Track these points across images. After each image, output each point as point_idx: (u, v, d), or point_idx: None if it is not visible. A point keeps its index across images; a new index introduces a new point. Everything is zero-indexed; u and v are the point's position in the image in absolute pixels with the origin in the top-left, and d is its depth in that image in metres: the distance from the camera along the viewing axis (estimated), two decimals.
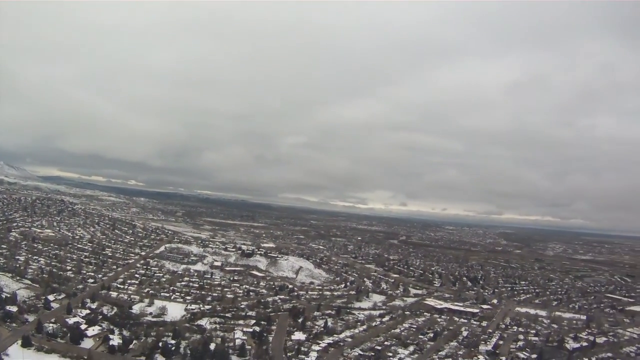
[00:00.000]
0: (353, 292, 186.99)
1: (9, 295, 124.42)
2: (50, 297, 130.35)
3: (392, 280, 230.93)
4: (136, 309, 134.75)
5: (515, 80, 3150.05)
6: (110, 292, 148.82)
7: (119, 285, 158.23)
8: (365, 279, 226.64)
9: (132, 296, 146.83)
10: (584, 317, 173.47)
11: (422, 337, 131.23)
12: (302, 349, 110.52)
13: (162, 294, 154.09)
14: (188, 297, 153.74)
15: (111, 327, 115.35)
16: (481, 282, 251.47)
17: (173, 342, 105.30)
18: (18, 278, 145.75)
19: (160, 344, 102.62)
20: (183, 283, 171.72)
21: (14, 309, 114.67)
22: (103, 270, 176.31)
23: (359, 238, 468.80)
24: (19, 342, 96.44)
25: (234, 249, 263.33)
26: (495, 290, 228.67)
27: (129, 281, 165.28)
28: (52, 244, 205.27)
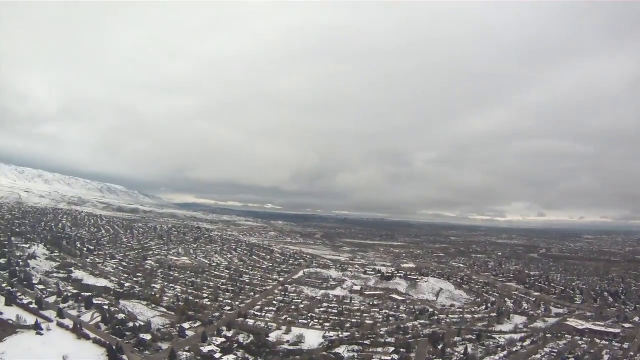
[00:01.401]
0: (494, 314, 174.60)
1: (142, 323, 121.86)
2: (185, 325, 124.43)
3: (533, 299, 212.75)
4: (272, 336, 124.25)
5: (637, 72, 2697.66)
6: (247, 320, 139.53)
7: (255, 313, 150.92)
8: (505, 299, 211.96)
9: (269, 323, 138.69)
10: None
11: None
12: None
13: (299, 320, 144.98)
14: (326, 324, 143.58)
15: (246, 355, 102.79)
16: (622, 296, 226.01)
17: None
18: (153, 306, 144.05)
19: None
20: (321, 309, 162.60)
21: (147, 336, 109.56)
22: (240, 297, 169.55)
23: (499, 253, 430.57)
24: None
25: (373, 272, 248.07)
26: (637, 305, 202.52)
27: (266, 308, 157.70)
28: (188, 272, 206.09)
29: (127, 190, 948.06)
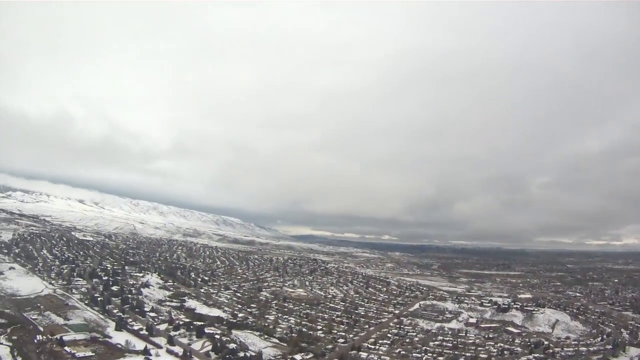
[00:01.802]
0: (609, 347, 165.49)
1: (254, 354, 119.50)
2: (297, 357, 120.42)
3: None
4: None
5: None
6: (360, 353, 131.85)
7: (369, 346, 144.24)
8: (622, 330, 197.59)
9: (382, 357, 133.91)
10: None
11: None
12: None
13: (413, 354, 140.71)
14: (440, 358, 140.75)
15: None
16: None
17: None
18: (266, 337, 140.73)
19: None
20: (436, 342, 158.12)
21: None
22: (354, 329, 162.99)
23: (615, 280, 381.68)
24: None
25: (489, 304, 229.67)
26: None
27: (380, 341, 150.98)
28: (303, 303, 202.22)
29: (243, 223, 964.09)
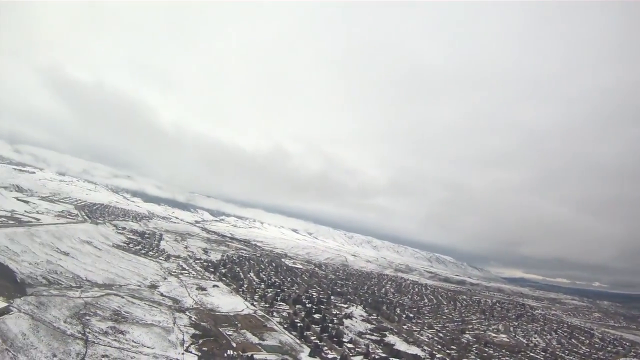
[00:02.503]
0: None
1: None
2: None
3: None
4: None
5: None
6: None
7: None
8: None
9: None
10: None
11: None
12: None
13: None
14: None
15: None
16: None
17: None
18: None
19: None
20: None
21: None
22: None
23: None
24: None
25: None
26: None
27: None
28: (503, 350, 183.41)
29: (455, 262, 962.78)
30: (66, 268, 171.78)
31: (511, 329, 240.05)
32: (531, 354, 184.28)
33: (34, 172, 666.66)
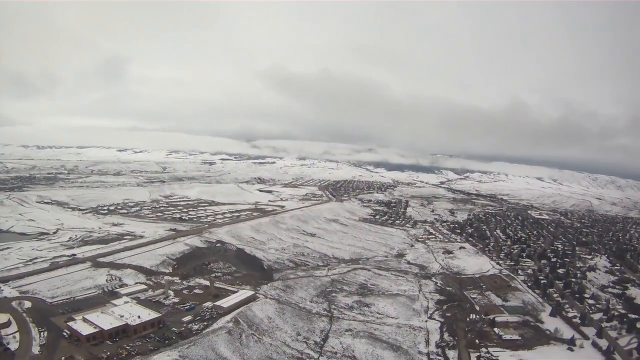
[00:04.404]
0: None
1: None
2: None
3: None
4: None
5: None
6: None
7: None
8: None
9: None
10: None
11: None
12: None
13: None
14: None
15: None
16: None
17: None
18: None
19: None
20: None
21: None
22: None
23: None
24: None
25: None
26: None
27: None
28: None
29: None
30: (312, 249, 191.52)
31: None
32: None
33: (274, 162, 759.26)
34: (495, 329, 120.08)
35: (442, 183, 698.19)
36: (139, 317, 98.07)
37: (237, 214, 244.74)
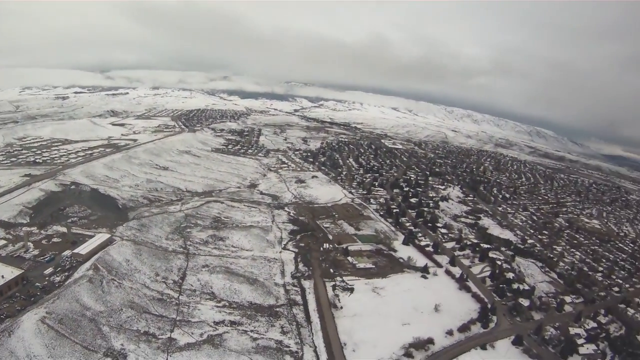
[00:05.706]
0: None
1: (527, 288, 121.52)
2: (567, 299, 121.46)
3: None
4: None
5: None
6: (628, 309, 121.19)
7: None
8: None
9: None
10: None
11: None
12: None
13: None
14: None
15: (607, 350, 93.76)
16: None
17: None
18: (546, 270, 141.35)
19: None
20: None
21: (526, 302, 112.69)
22: (633, 279, 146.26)
23: None
24: (512, 338, 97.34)
25: None
26: None
27: None
28: (593, 238, 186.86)
29: (556, 136, 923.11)
30: (166, 183, 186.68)
31: (604, 214, 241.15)
32: (619, 244, 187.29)
33: (127, 93, 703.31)
34: (349, 258, 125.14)
35: (296, 111, 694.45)
36: (2, 276, 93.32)
37: (90, 152, 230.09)
